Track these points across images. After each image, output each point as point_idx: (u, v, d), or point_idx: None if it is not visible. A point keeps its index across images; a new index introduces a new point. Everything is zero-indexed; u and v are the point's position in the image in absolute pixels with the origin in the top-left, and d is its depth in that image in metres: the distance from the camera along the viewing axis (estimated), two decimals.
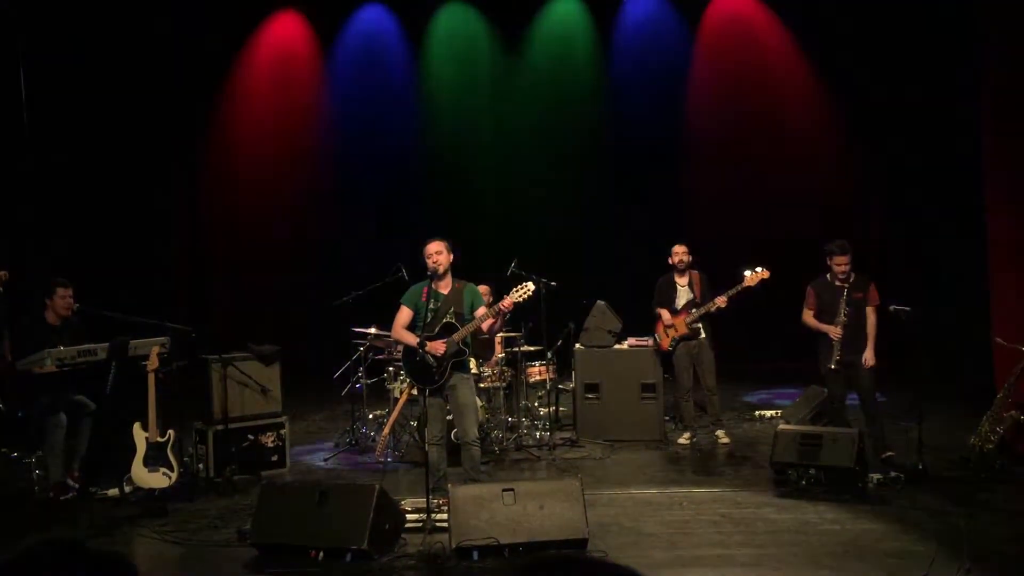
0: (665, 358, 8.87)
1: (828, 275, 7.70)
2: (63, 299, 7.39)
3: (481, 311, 6.70)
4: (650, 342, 8.98)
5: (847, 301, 7.49)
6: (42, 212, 10.86)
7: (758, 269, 8.23)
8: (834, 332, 7.50)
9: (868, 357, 7.50)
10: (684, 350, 8.68)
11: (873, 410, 7.62)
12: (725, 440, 8.66)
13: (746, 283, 8.24)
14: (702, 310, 8.47)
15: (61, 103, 11.13)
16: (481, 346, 8.48)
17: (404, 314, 6.74)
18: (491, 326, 6.94)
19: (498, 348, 8.75)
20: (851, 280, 7.58)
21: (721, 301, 8.32)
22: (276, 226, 13.91)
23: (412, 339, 6.60)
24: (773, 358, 12.28)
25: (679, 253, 8.72)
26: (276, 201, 13.94)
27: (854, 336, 7.51)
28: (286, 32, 14.06)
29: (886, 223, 12.56)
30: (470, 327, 6.61)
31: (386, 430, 8.00)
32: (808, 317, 7.75)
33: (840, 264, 7.55)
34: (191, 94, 13.23)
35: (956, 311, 10.19)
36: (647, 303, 8.95)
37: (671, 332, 8.68)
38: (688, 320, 8.56)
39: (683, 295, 8.69)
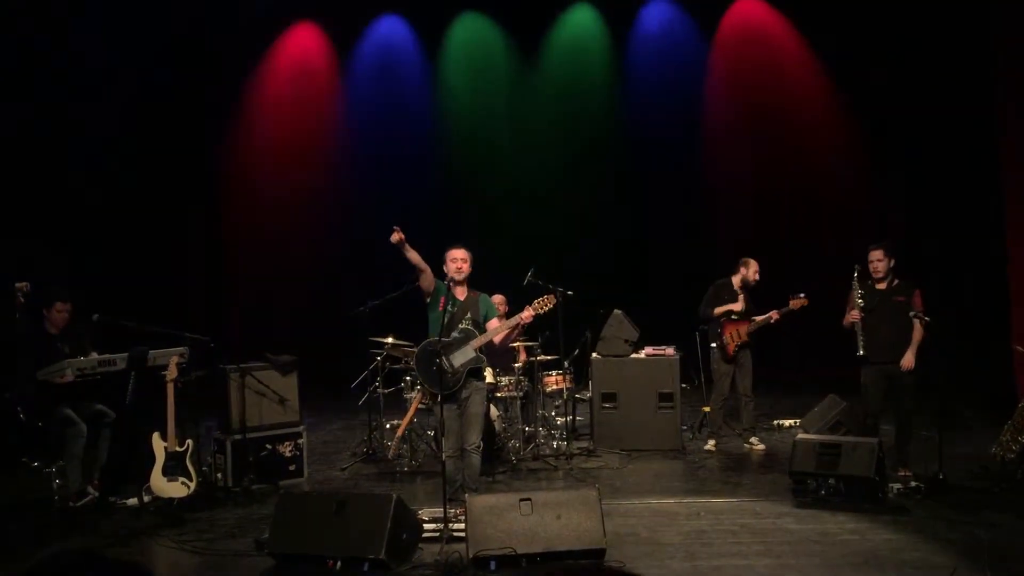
0: (684, 368, 8.86)
1: (870, 279, 7.57)
2: (60, 313, 7.43)
3: (494, 323, 6.71)
4: (669, 351, 8.98)
5: (861, 296, 7.38)
6: (62, 222, 10.95)
7: (801, 295, 8.50)
8: (852, 317, 7.41)
9: (906, 359, 7.31)
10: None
11: (905, 426, 7.46)
12: (760, 447, 8.75)
13: (791, 306, 8.53)
14: (761, 320, 8.66)
15: (77, 116, 11.23)
16: (497, 355, 8.49)
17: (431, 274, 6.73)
18: (505, 338, 6.96)
19: (522, 355, 8.78)
20: (894, 284, 7.48)
21: (775, 315, 8.61)
22: (294, 236, 13.98)
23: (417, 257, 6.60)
24: (788, 367, 12.25)
25: (755, 271, 8.90)
26: (294, 211, 14.01)
27: (894, 341, 7.33)
28: (304, 43, 14.18)
29: (905, 230, 12.47)
30: (487, 336, 6.63)
31: (400, 431, 8.03)
32: (845, 320, 7.64)
33: (871, 260, 7.45)
34: (210, 104, 13.32)
35: (976, 319, 10.13)
36: (663, 312, 8.93)
37: (735, 339, 8.73)
38: (750, 329, 8.70)
39: (741, 304, 8.83)
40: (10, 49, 10.47)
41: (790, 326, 9.20)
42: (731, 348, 8.75)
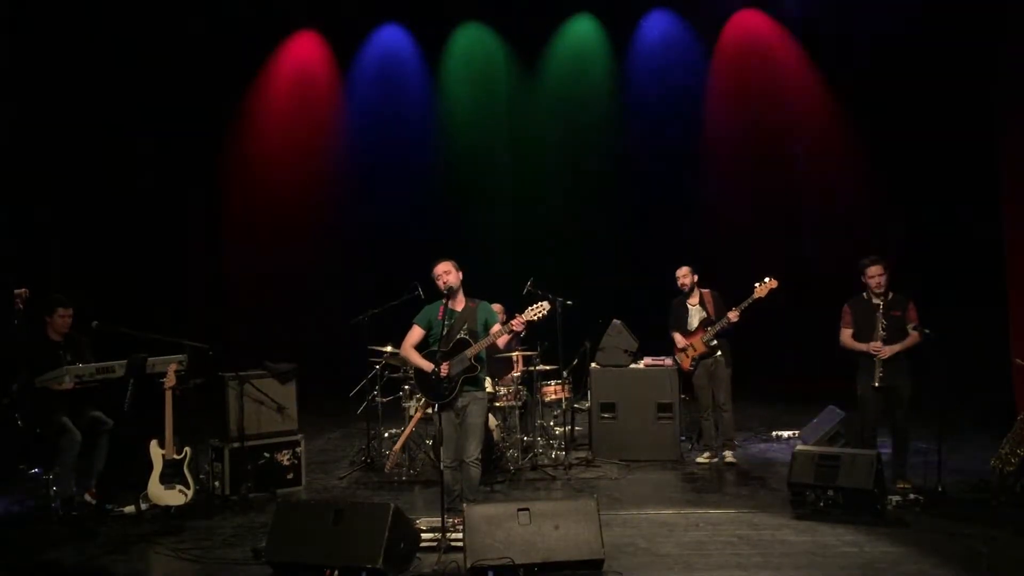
0: (686, 378, 8.85)
1: (864, 293, 7.52)
2: (62, 319, 7.45)
3: (496, 328, 6.70)
4: (668, 362, 8.97)
5: (884, 316, 7.34)
6: (61, 227, 10.96)
7: (766, 279, 8.25)
8: (875, 348, 7.31)
9: (885, 349, 7.27)
10: (703, 369, 8.67)
11: (903, 438, 7.46)
12: (731, 460, 8.63)
13: (756, 294, 8.26)
14: (717, 327, 8.49)
15: (80, 120, 11.24)
16: (497, 364, 8.48)
17: (415, 333, 6.75)
18: (505, 343, 6.93)
19: (517, 366, 8.75)
20: (889, 298, 7.43)
21: (733, 315, 8.35)
22: (294, 244, 13.97)
23: (418, 358, 6.65)
24: (789, 376, 12.24)
25: (680, 276, 8.78)
26: (294, 219, 14.01)
27: (893, 357, 7.32)
28: (305, 52, 14.19)
29: (904, 241, 12.48)
30: (483, 343, 6.61)
31: (398, 445, 8.00)
32: (846, 338, 7.57)
33: (873, 276, 7.38)
34: (212, 113, 13.32)
35: (976, 332, 10.11)
36: (662, 322, 8.93)
37: (690, 352, 8.67)
38: (705, 338, 8.57)
39: (695, 315, 8.72)
40: (11, 53, 10.49)
41: (788, 334, 9.23)
42: (686, 363, 8.71)
